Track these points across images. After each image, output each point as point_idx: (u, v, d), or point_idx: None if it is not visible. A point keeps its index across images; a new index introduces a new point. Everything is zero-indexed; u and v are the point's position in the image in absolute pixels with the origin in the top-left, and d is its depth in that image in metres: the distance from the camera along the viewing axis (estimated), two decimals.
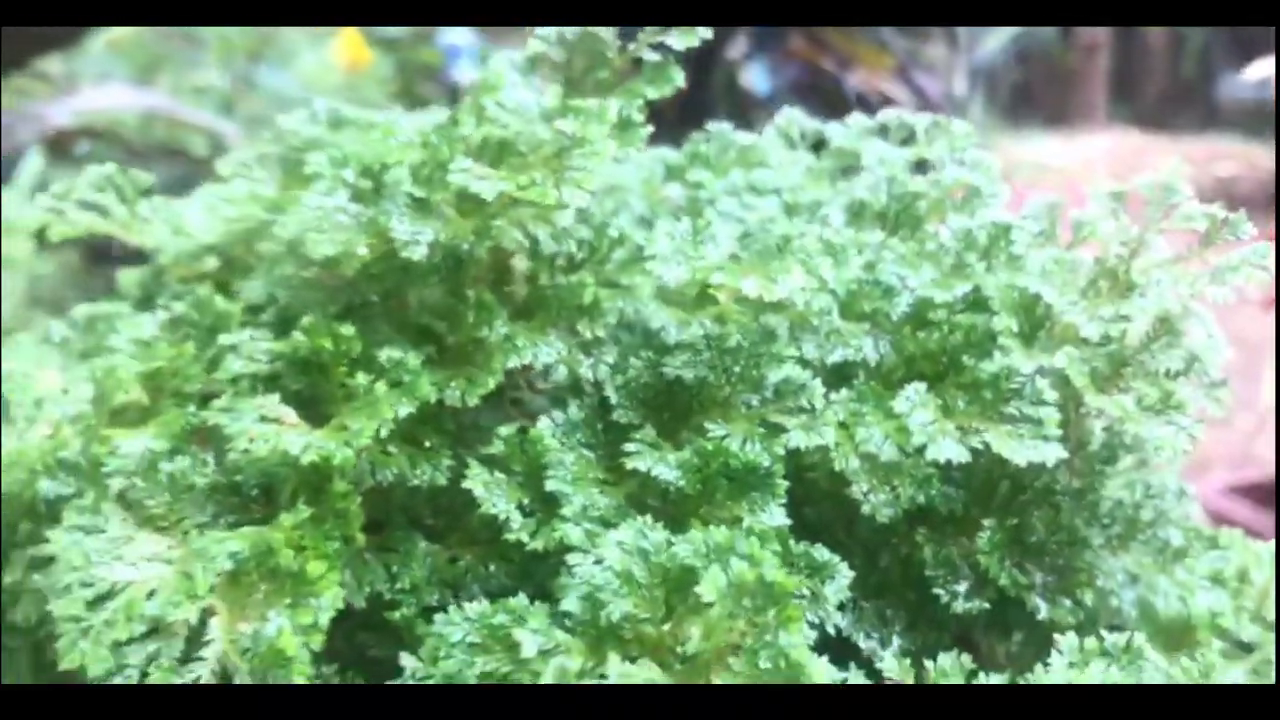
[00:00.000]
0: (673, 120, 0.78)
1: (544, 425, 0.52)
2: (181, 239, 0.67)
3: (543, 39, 0.60)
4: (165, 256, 0.67)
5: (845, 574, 0.48)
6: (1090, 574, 0.56)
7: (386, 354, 0.49)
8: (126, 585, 0.42)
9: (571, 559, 0.46)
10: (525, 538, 0.48)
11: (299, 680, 0.39)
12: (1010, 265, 0.59)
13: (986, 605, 0.53)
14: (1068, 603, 0.54)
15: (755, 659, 0.39)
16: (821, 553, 0.48)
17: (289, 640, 0.39)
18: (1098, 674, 0.41)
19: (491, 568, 0.50)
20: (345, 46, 3.49)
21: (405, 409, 0.47)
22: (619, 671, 0.39)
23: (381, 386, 0.48)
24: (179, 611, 0.41)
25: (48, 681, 0.52)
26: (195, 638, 0.41)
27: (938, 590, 0.53)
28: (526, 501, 0.50)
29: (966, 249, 0.60)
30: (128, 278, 0.70)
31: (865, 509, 0.52)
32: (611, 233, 0.57)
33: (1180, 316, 0.59)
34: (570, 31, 0.60)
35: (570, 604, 0.42)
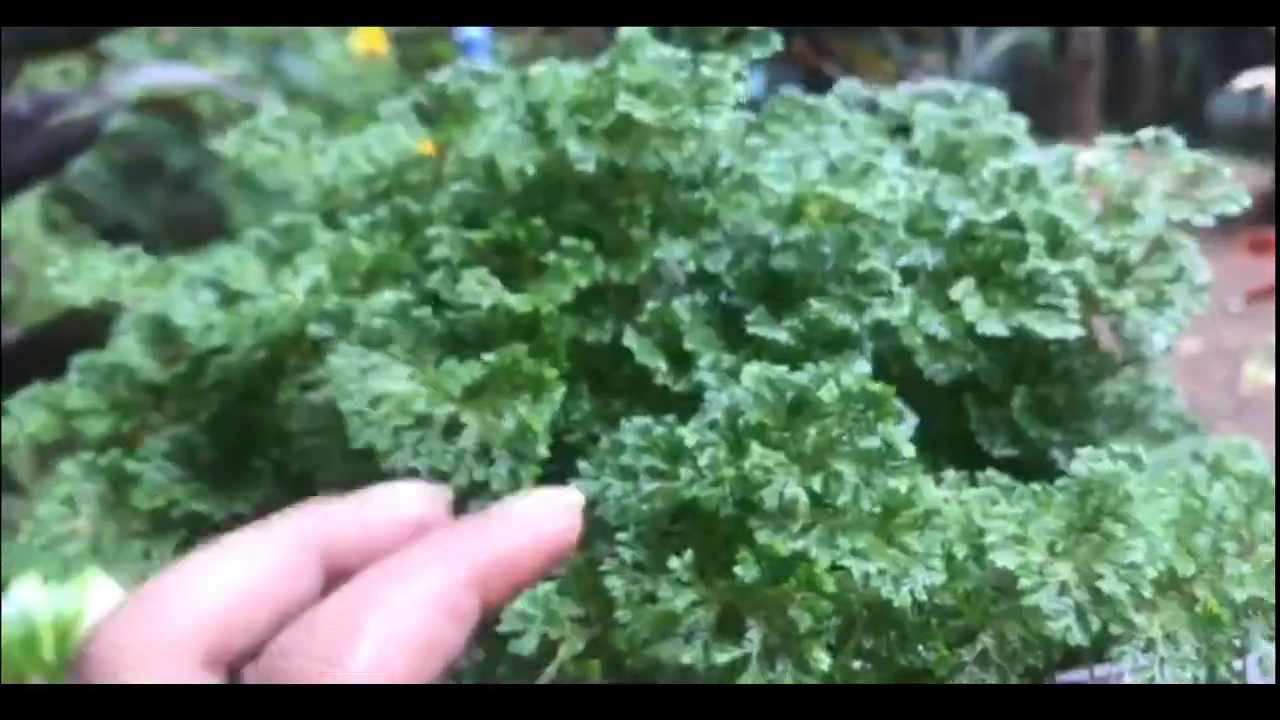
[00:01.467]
0: None
1: (677, 304, 0.66)
2: (350, 169, 0.82)
3: None
4: (338, 182, 0.82)
5: (912, 419, 0.63)
6: (1099, 440, 0.71)
7: (565, 241, 0.64)
8: (394, 393, 0.57)
9: (708, 395, 0.61)
10: (669, 383, 0.63)
11: (542, 451, 0.54)
12: (1038, 197, 0.74)
13: (1018, 453, 0.68)
14: None
15: (860, 443, 0.54)
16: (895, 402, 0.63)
17: (535, 419, 0.54)
18: (1108, 467, 0.56)
19: (638, 410, 0.65)
20: (364, 37, 3.63)
21: (585, 280, 0.62)
22: (759, 453, 0.54)
23: (569, 262, 0.63)
24: (439, 409, 0.56)
25: (286, 492, 0.66)
26: (449, 433, 0.56)
27: (980, 441, 0.68)
28: (666, 362, 0.65)
29: (1002, 185, 0.75)
30: (302, 198, 0.85)
31: (926, 375, 0.67)
32: (722, 163, 0.72)
33: (1173, 243, 0.74)
34: None
35: (714, 414, 0.57)
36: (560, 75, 0.70)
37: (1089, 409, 0.71)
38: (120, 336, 0.74)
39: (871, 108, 0.94)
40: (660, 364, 0.64)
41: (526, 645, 0.53)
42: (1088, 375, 0.72)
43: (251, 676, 0.41)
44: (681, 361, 0.64)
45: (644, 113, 0.64)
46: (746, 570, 0.51)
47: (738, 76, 0.70)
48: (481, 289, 0.61)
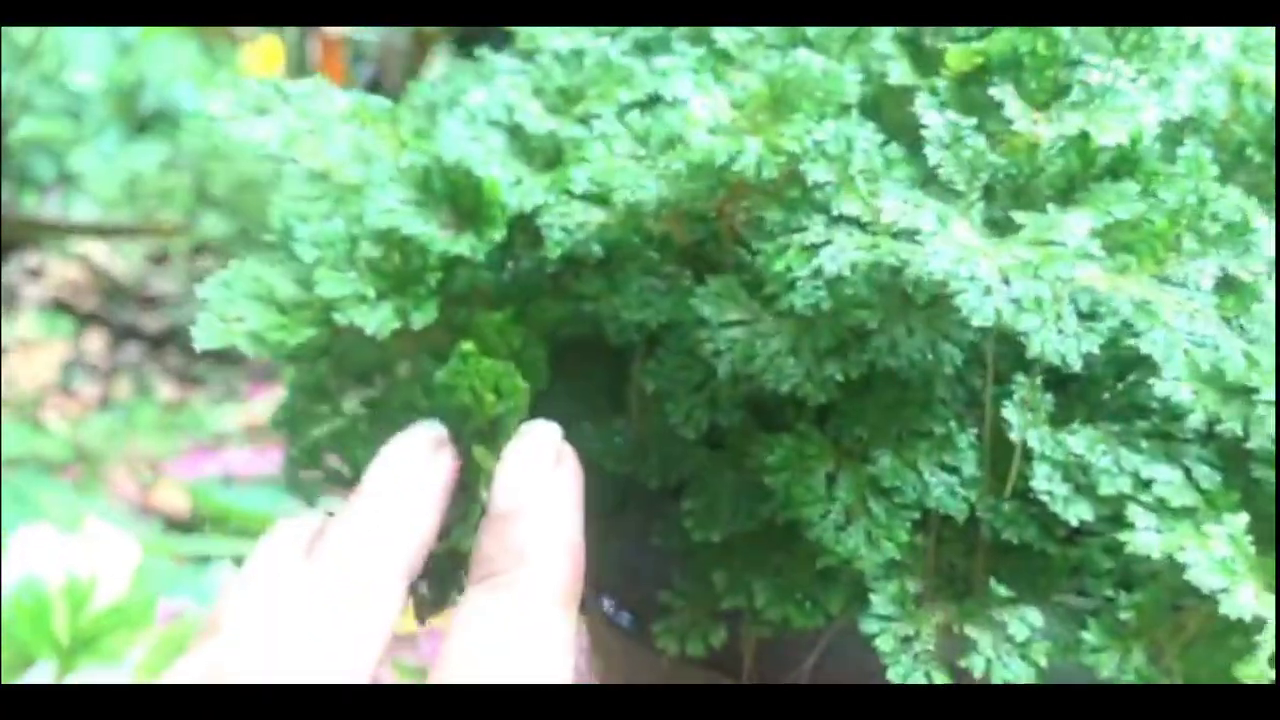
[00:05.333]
0: None
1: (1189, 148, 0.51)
2: None
3: None
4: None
5: None
6: None
7: (1094, 59, 0.47)
8: (981, 251, 0.39)
9: None
10: None
11: None
12: None
13: None
14: None
15: None
16: None
17: (1263, 283, 0.37)
18: None
19: None
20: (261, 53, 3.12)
21: (1155, 111, 0.45)
22: None
23: (1126, 86, 0.46)
24: (1079, 270, 0.38)
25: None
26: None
27: None
28: None
29: None
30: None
31: None
32: None
33: None
34: None
35: None
36: None
37: None
38: (378, 190, 0.52)
39: None
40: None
41: None
42: None
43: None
44: None
45: None
46: None
47: None
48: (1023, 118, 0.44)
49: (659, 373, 0.48)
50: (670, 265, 0.49)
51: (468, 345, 0.46)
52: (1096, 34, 0.50)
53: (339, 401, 0.59)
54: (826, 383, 0.44)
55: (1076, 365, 0.37)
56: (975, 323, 0.37)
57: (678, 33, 0.59)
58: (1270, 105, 0.53)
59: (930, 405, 0.45)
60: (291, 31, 2.84)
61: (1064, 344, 0.37)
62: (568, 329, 0.51)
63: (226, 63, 3.14)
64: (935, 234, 0.38)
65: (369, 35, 2.89)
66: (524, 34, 0.64)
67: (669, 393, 0.47)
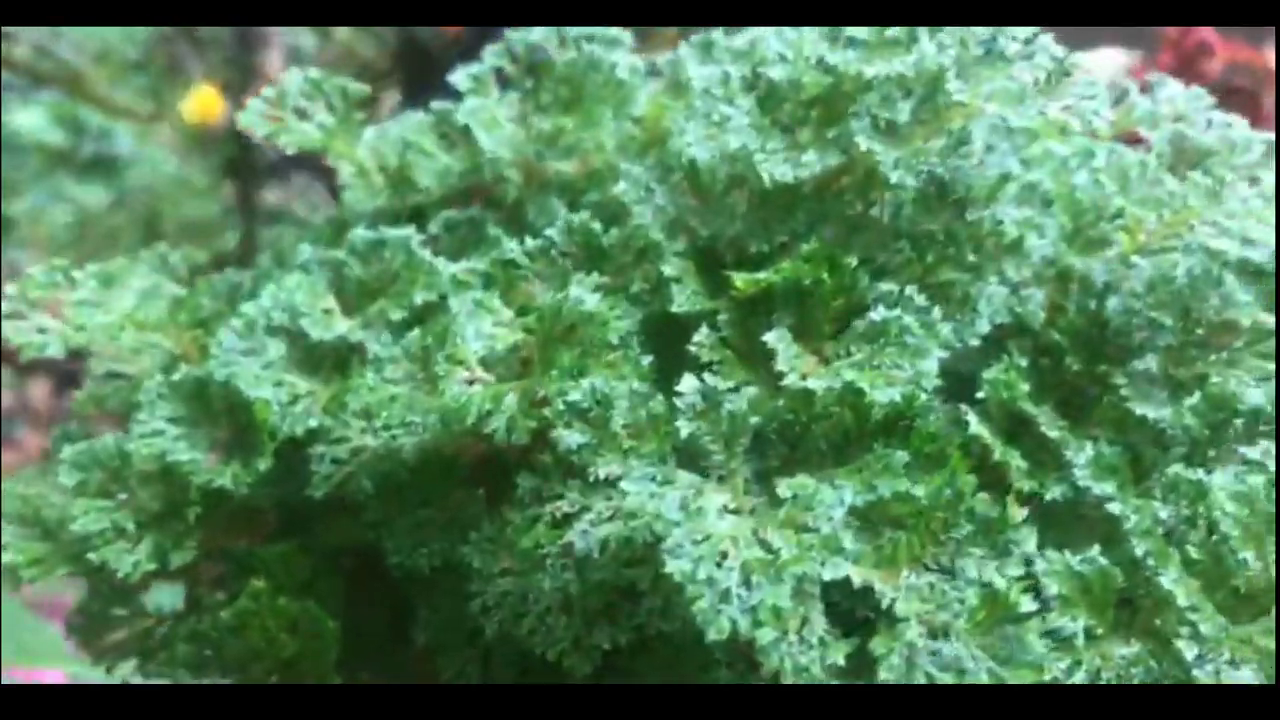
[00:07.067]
0: None
1: (997, 369, 0.48)
2: (426, 158, 0.60)
3: None
4: (427, 179, 0.59)
5: None
6: None
7: (887, 286, 0.45)
8: (729, 539, 0.36)
9: (1119, 511, 0.44)
10: (1032, 485, 0.45)
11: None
12: None
13: None
14: None
15: None
16: None
17: (1019, 595, 0.35)
18: None
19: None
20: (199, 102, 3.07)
21: (937, 355, 0.43)
22: None
23: (912, 322, 0.43)
24: (827, 570, 0.36)
25: (478, 662, 0.44)
26: (846, 598, 0.36)
27: None
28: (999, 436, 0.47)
29: None
30: (354, 197, 0.61)
31: None
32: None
33: None
34: None
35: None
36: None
37: None
38: (145, 409, 0.49)
39: None
40: (1017, 460, 0.46)
41: None
42: None
43: None
44: (1013, 436, 0.46)
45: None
46: None
47: None
48: (800, 362, 0.41)
49: (433, 621, 0.45)
50: (457, 488, 0.46)
51: (258, 583, 0.43)
52: (905, 249, 0.48)
53: (140, 601, 0.56)
54: (593, 651, 0.41)
55: (821, 678, 0.34)
56: (710, 636, 0.34)
57: (494, 216, 0.57)
58: (1091, 302, 0.51)
59: (708, 667, 0.42)
60: (234, 76, 2.81)
61: (806, 656, 0.34)
62: (355, 548, 0.49)
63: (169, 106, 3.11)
64: (678, 524, 0.35)
65: None
66: (348, 200, 0.61)
67: (441, 646, 0.44)
